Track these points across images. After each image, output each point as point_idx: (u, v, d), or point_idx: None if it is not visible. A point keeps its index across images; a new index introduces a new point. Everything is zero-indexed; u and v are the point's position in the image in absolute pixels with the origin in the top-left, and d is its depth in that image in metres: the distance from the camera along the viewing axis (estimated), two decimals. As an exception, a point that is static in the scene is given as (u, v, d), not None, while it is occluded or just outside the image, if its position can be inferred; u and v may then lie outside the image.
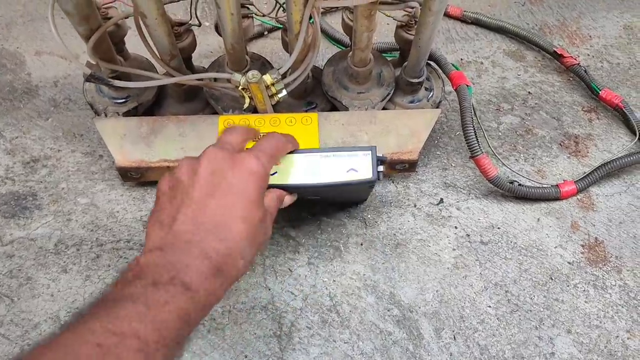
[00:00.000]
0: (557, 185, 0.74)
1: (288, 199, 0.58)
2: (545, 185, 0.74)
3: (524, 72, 0.89)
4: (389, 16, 0.74)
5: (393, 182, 0.75)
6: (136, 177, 0.71)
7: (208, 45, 0.91)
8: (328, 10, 0.94)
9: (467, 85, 0.73)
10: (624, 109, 0.81)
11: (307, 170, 0.58)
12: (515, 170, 0.75)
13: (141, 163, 0.69)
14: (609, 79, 0.88)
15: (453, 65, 0.77)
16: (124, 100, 0.75)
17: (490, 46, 0.93)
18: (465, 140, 0.70)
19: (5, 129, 0.80)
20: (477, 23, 0.95)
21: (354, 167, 0.58)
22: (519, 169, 0.77)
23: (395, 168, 0.72)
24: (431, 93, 0.79)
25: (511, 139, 0.80)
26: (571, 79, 0.88)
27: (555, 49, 0.88)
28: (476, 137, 0.70)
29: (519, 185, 0.72)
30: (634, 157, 0.75)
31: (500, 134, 0.81)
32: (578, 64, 0.86)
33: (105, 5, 0.70)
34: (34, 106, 0.83)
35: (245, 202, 0.46)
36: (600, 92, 0.83)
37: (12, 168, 0.76)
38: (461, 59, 0.91)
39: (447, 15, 0.96)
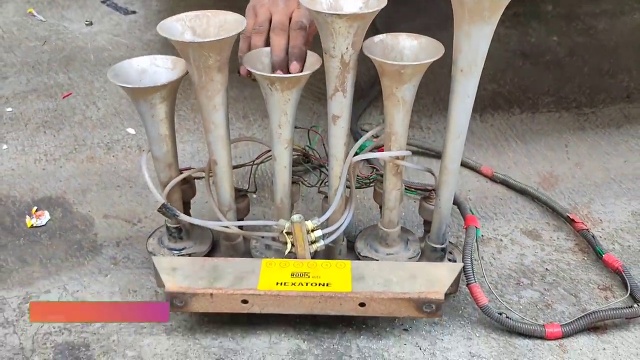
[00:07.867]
0: (543, 325, 0.80)
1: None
2: (532, 322, 0.80)
3: (541, 250, 0.97)
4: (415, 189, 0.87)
5: (420, 348, 0.80)
6: (180, 306, 0.77)
7: (254, 215, 1.03)
8: (362, 185, 1.05)
9: (476, 227, 0.86)
10: (623, 273, 0.88)
11: None
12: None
13: (188, 289, 0.77)
14: (620, 259, 0.94)
15: (470, 210, 0.91)
16: (179, 250, 0.88)
17: (508, 225, 1.02)
18: (463, 270, 0.80)
19: (69, 283, 0.89)
20: (504, 183, 1.10)
21: None
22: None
23: (422, 310, 0.76)
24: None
25: (532, 312, 0.85)
26: (585, 258, 0.95)
27: (569, 214, 1.00)
28: (472, 268, 0.80)
29: (507, 317, 0.79)
30: (619, 311, 0.81)
31: (521, 307, 0.86)
32: (587, 229, 0.96)
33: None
34: (96, 263, 0.93)
35: None
36: (603, 256, 0.91)
37: (71, 319, 0.83)
38: (482, 236, 0.99)
39: (480, 173, 1.13)
